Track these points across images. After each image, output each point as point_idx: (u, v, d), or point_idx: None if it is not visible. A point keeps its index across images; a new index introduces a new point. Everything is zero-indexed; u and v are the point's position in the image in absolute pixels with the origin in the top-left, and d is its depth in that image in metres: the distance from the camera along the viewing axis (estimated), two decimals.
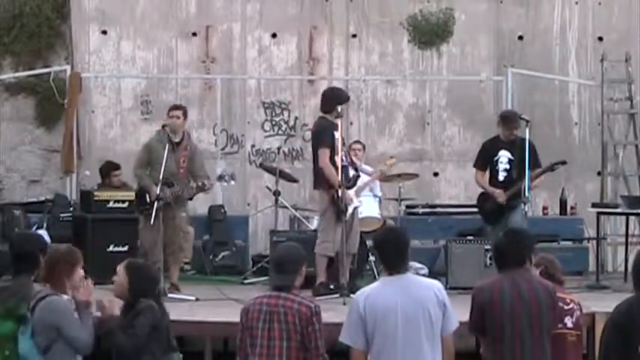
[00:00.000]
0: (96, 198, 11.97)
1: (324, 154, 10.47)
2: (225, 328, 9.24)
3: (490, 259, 11.09)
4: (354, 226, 10.66)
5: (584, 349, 8.68)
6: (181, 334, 10.42)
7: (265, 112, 14.14)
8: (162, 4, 14.13)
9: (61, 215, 12.77)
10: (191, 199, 11.37)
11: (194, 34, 14.15)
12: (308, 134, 13.87)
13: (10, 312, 6.52)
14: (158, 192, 10.42)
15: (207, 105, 14.07)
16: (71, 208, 12.83)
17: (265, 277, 11.05)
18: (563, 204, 13.60)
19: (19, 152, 14.12)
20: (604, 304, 9.33)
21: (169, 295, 10.46)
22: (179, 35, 14.13)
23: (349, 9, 14.19)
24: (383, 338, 5.89)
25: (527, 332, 6.24)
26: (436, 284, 6.12)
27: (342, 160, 10.44)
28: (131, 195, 11.33)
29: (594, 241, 12.76)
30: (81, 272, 6.51)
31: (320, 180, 10.60)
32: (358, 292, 6.15)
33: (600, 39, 14.15)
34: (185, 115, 10.95)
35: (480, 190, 11.52)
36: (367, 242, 11.02)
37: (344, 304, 9.60)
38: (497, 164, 11.27)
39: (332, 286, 10.58)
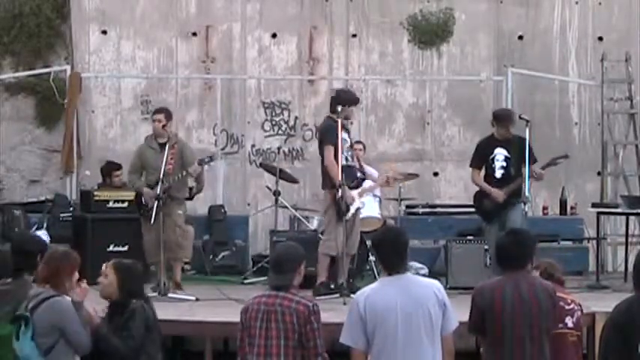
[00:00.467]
0: (96, 198, 11.99)
1: (329, 151, 10.54)
2: (225, 328, 9.24)
3: (490, 259, 11.12)
4: (355, 227, 10.67)
5: (584, 349, 8.69)
6: (181, 334, 10.50)
7: (265, 112, 14.13)
8: (162, 4, 14.13)
9: (61, 215, 12.77)
10: (191, 198, 11.38)
11: (194, 34, 14.15)
12: (308, 134, 13.89)
13: (8, 315, 6.54)
14: (158, 192, 10.48)
15: (207, 105, 14.07)
16: (71, 208, 12.83)
17: (265, 277, 10.99)
18: (563, 204, 13.60)
19: (19, 152, 14.12)
20: (604, 304, 9.33)
21: (169, 295, 10.49)
22: (179, 35, 14.13)
23: (349, 9, 14.19)
24: (383, 338, 5.90)
25: (527, 334, 6.24)
26: (436, 284, 6.12)
27: (346, 160, 10.53)
28: (131, 195, 11.36)
29: (594, 241, 12.76)
30: (77, 274, 6.50)
31: (325, 179, 10.66)
32: (358, 293, 6.15)
33: (600, 39, 14.15)
34: (168, 117, 11.00)
35: (477, 189, 11.52)
36: (367, 242, 11.02)
37: (344, 304, 9.60)
38: (493, 162, 11.25)
39: (332, 286, 10.59)
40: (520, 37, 14.22)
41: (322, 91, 14.08)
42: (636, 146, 13.61)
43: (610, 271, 13.17)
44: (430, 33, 14.10)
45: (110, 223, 11.78)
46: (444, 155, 14.18)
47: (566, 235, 13.11)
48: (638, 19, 14.13)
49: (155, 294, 10.38)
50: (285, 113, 14.13)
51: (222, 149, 13.97)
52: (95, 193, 12.10)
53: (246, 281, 11.99)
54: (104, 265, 6.75)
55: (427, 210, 13.53)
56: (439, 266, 12.21)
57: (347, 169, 10.52)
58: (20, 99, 14.15)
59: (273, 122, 14.13)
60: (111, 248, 11.58)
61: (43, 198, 13.39)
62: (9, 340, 6.47)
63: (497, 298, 6.26)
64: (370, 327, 5.91)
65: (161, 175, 10.54)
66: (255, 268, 12.25)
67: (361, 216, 11.01)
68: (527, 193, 10.87)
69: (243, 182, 13.93)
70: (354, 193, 10.63)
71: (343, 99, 10.79)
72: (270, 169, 12.75)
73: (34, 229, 12.38)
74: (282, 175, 12.49)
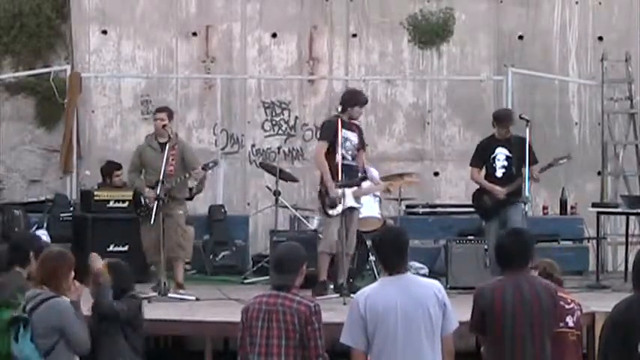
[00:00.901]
0: (96, 198, 11.99)
1: (319, 146, 10.80)
2: (225, 328, 9.25)
3: (490, 259, 11.12)
4: (351, 226, 10.63)
5: (584, 348, 8.69)
6: (181, 334, 10.50)
7: (265, 112, 14.13)
8: (162, 4, 14.13)
9: (61, 215, 12.77)
10: (191, 198, 11.37)
11: (194, 34, 14.15)
12: (308, 134, 13.90)
13: (7, 303, 6.56)
14: (158, 192, 10.47)
15: (207, 105, 14.07)
16: (71, 208, 12.83)
17: (265, 277, 11.06)
18: (563, 204, 13.59)
19: (19, 152, 14.12)
20: (604, 304, 9.33)
21: (170, 295, 10.49)
22: (179, 35, 14.13)
23: (349, 9, 14.19)
24: (383, 338, 5.90)
25: (529, 333, 6.24)
26: (436, 284, 6.12)
27: (343, 158, 10.55)
28: (131, 195, 11.34)
29: (594, 241, 12.76)
30: (72, 274, 6.50)
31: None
32: (358, 293, 6.16)
33: (600, 39, 14.15)
34: (170, 116, 11.02)
35: (476, 187, 11.53)
36: (367, 242, 11.02)
37: (344, 304, 9.60)
38: (494, 162, 11.28)
39: (332, 286, 10.60)
40: (520, 37, 14.22)
41: (322, 91, 14.08)
42: (636, 146, 13.61)
43: (610, 271, 13.16)
44: (430, 33, 14.10)
45: (110, 223, 11.78)
46: (444, 155, 14.17)
47: (566, 235, 13.11)
48: (638, 19, 14.13)
49: (155, 294, 10.39)
50: (285, 113, 14.13)
51: (222, 149, 13.97)
52: (95, 193, 12.10)
53: (246, 281, 11.99)
54: (95, 265, 6.79)
55: (427, 210, 13.53)
56: (439, 266, 12.21)
57: (345, 168, 10.54)
58: (20, 99, 14.15)
59: (273, 122, 14.13)
60: (111, 248, 11.58)
61: (43, 198, 13.38)
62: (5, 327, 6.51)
63: (497, 298, 6.26)
64: (370, 327, 5.91)
65: (161, 177, 10.53)
66: (255, 268, 12.25)
67: (361, 216, 11.01)
68: (527, 193, 10.87)
69: (243, 182, 13.93)
70: (348, 191, 10.60)
71: (346, 99, 10.91)
72: (270, 169, 12.75)
73: (34, 228, 12.38)
74: (282, 175, 12.49)
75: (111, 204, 11.94)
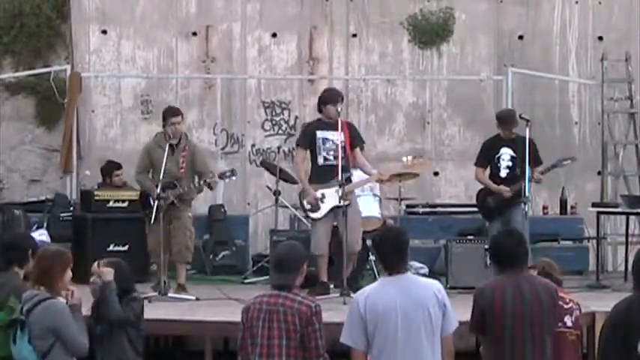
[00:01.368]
0: (96, 198, 11.99)
1: (296, 153, 11.12)
2: (225, 328, 9.25)
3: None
4: (349, 226, 10.57)
5: (584, 348, 8.70)
6: (181, 334, 10.50)
7: (265, 112, 14.14)
8: (162, 4, 14.13)
9: (61, 215, 12.77)
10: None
11: (194, 34, 14.15)
12: None
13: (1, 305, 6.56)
14: (158, 192, 10.44)
15: (207, 105, 14.07)
16: (71, 208, 12.83)
17: (265, 277, 11.05)
18: (563, 204, 13.59)
19: (19, 152, 14.12)
20: (604, 304, 9.33)
21: (170, 295, 10.48)
22: (179, 35, 14.13)
23: (349, 9, 14.19)
24: (383, 338, 5.90)
25: (529, 333, 6.24)
26: (436, 284, 6.13)
27: (324, 159, 10.60)
28: (131, 195, 11.36)
29: (594, 241, 12.76)
30: (70, 274, 6.48)
31: None
32: (358, 293, 6.16)
33: (600, 39, 14.15)
34: (183, 117, 10.99)
35: (480, 187, 11.54)
36: (367, 242, 11.01)
37: (344, 304, 9.60)
38: (498, 162, 11.31)
39: (332, 286, 10.60)
40: (520, 37, 14.22)
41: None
42: (636, 146, 13.61)
43: (610, 270, 13.16)
44: (430, 33, 14.10)
45: (110, 223, 11.78)
46: (444, 155, 14.17)
47: (566, 235, 13.11)
48: (638, 19, 14.13)
49: (155, 293, 10.39)
50: (285, 113, 14.13)
51: (222, 149, 13.98)
52: (95, 192, 12.10)
53: (246, 281, 11.99)
54: (94, 264, 6.76)
55: (427, 210, 13.52)
56: (439, 266, 12.20)
57: (326, 169, 10.55)
58: (20, 99, 14.15)
59: (273, 122, 14.13)
60: (111, 248, 11.58)
61: (43, 198, 13.38)
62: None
63: (497, 298, 6.26)
64: (370, 327, 5.91)
65: (161, 176, 10.49)
66: (255, 268, 12.25)
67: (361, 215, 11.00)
68: (527, 193, 10.88)
69: (243, 182, 13.93)
70: (328, 192, 10.57)
71: (320, 99, 10.97)
72: (271, 168, 12.76)
73: (34, 228, 12.38)
74: (282, 175, 12.49)
75: (111, 204, 11.94)
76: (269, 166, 12.89)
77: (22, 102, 14.15)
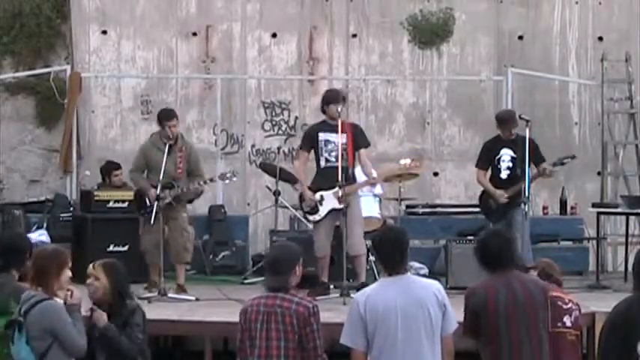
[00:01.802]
0: (96, 198, 12.00)
1: (300, 155, 11.07)
2: (225, 328, 9.25)
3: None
4: (348, 227, 10.55)
5: (583, 348, 8.70)
6: (181, 334, 10.50)
7: (265, 112, 14.14)
8: (162, 4, 14.13)
9: (61, 215, 12.78)
10: (191, 202, 11.36)
11: (194, 34, 14.15)
12: None
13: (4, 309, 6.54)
14: (158, 192, 10.45)
15: (207, 105, 14.06)
16: (71, 208, 12.83)
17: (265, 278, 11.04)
18: (563, 204, 13.59)
19: (19, 152, 14.12)
20: (604, 304, 9.33)
21: (169, 295, 10.48)
22: (179, 35, 14.13)
23: (349, 9, 14.19)
24: (383, 339, 5.90)
25: (524, 331, 6.23)
26: (436, 285, 6.13)
27: (326, 161, 10.58)
28: (131, 195, 11.34)
29: (594, 241, 12.76)
30: (68, 273, 6.45)
31: None
32: (358, 293, 6.16)
33: (600, 39, 14.15)
34: (177, 119, 11.00)
35: (482, 188, 11.54)
36: (367, 242, 11.00)
37: (344, 304, 9.60)
38: (499, 163, 11.31)
39: (332, 286, 10.60)
40: (520, 37, 14.22)
41: (322, 91, 13.96)
42: (636, 146, 13.61)
43: (610, 271, 13.17)
44: (430, 33, 14.10)
45: (110, 223, 11.78)
46: (444, 155, 14.17)
47: (566, 235, 13.11)
48: (638, 19, 14.13)
49: (152, 294, 10.39)
50: (285, 113, 14.13)
51: (222, 149, 13.98)
52: (95, 193, 12.10)
53: (246, 281, 11.99)
54: (90, 266, 6.72)
55: (427, 210, 13.52)
56: (439, 266, 12.20)
57: (327, 171, 10.54)
58: (20, 99, 14.15)
59: (273, 122, 14.13)
60: (111, 248, 11.59)
61: (43, 198, 13.39)
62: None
63: (490, 299, 6.26)
64: (370, 327, 5.91)
65: (160, 177, 10.51)
66: (255, 268, 12.25)
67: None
68: (527, 193, 10.87)
69: (243, 182, 13.92)
70: (327, 194, 10.56)
71: (322, 100, 10.93)
72: (269, 170, 12.75)
73: (34, 229, 12.38)
74: (282, 175, 12.49)
75: (111, 204, 11.94)
76: (268, 169, 12.86)
77: (22, 102, 14.15)
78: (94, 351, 6.54)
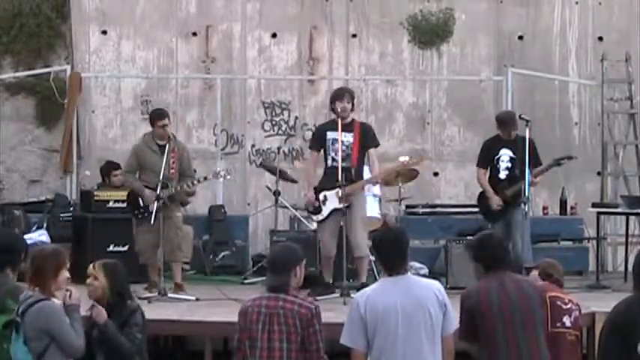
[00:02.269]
0: (96, 198, 12.00)
1: (310, 155, 11.04)
2: (225, 328, 9.22)
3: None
4: (350, 227, 10.54)
5: (583, 349, 8.71)
6: (181, 334, 10.50)
7: (265, 112, 14.14)
8: (162, 4, 14.13)
9: (61, 215, 12.78)
10: (184, 205, 11.37)
11: (194, 34, 14.15)
12: (308, 134, 13.87)
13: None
14: (158, 192, 10.47)
15: (207, 105, 14.06)
16: (71, 208, 12.83)
17: (265, 277, 11.04)
18: (563, 204, 13.59)
19: (19, 152, 14.12)
20: (604, 304, 9.33)
21: (169, 295, 10.49)
22: (179, 35, 14.13)
23: (349, 9, 14.19)
24: (383, 339, 5.90)
25: (521, 332, 6.22)
26: (436, 285, 6.13)
27: (332, 160, 10.56)
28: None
29: (594, 241, 12.76)
30: (66, 274, 6.44)
31: None
32: (358, 293, 6.16)
33: (600, 39, 14.15)
34: (169, 119, 11.01)
35: (480, 189, 11.55)
36: (367, 242, 10.99)
37: (344, 304, 9.60)
38: (498, 163, 11.32)
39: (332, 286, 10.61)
40: (520, 37, 14.22)
41: (322, 91, 14.07)
42: (636, 146, 13.61)
43: (610, 271, 13.17)
44: (430, 33, 14.10)
45: (110, 223, 11.78)
46: (444, 155, 14.17)
47: (566, 235, 13.11)
48: (638, 19, 14.13)
49: (151, 294, 10.39)
50: (285, 113, 14.13)
51: (222, 149, 13.97)
52: (95, 193, 12.10)
53: (246, 281, 11.99)
54: (90, 266, 6.72)
55: (427, 210, 13.52)
56: (439, 266, 12.20)
57: (332, 170, 10.54)
58: (20, 99, 14.15)
59: (273, 122, 14.13)
60: (111, 248, 11.59)
61: (43, 198, 13.39)
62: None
63: (483, 299, 6.25)
64: (370, 328, 5.91)
65: (161, 177, 10.52)
66: (255, 268, 12.25)
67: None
68: (526, 193, 10.87)
69: (243, 182, 13.93)
70: (330, 194, 10.55)
71: (330, 99, 10.92)
72: (271, 169, 12.75)
73: (34, 229, 12.38)
74: (282, 175, 12.49)
75: (111, 204, 11.94)
76: (268, 168, 12.87)
77: (22, 102, 14.15)
78: (93, 352, 6.53)
